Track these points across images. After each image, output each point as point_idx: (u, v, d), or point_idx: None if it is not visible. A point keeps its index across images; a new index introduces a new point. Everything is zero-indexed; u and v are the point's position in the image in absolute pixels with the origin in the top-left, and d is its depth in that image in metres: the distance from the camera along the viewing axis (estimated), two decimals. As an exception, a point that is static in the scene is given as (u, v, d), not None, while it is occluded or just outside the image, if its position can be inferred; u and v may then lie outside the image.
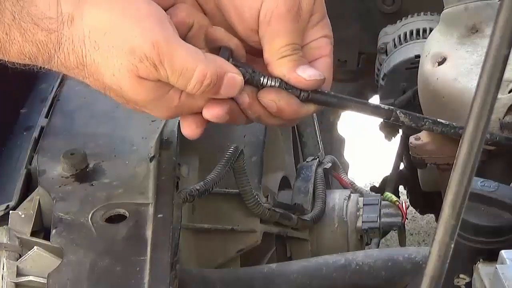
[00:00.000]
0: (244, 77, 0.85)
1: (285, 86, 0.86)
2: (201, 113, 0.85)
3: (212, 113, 0.85)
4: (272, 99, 0.86)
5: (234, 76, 0.83)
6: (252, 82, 0.86)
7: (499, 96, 1.08)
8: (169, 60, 0.78)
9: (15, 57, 0.82)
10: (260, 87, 0.86)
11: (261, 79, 0.86)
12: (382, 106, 0.89)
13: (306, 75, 0.85)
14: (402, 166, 1.79)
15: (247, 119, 0.89)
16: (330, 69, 0.89)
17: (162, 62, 0.78)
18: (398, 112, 0.88)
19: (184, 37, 0.85)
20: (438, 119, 0.89)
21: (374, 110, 0.90)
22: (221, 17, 0.87)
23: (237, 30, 0.87)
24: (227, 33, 0.87)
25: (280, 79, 0.86)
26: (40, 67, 0.83)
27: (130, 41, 0.78)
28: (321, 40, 0.89)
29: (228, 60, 0.85)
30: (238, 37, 0.87)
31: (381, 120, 1.74)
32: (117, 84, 0.80)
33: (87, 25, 0.78)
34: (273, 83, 0.86)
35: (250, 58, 0.88)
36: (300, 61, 0.85)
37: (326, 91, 0.88)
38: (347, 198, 1.31)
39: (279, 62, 0.85)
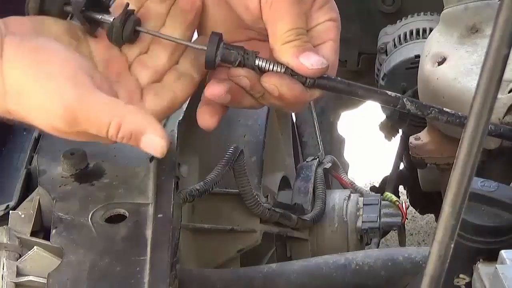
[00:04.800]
0: (235, 60, 0.84)
1: (291, 72, 0.84)
2: (216, 103, 0.86)
3: (212, 92, 0.84)
4: (274, 83, 0.84)
5: (152, 139, 0.79)
6: (247, 65, 0.84)
7: (499, 96, 1.09)
8: (84, 118, 0.78)
9: None
10: (257, 69, 0.85)
11: (262, 63, 0.84)
12: (389, 93, 0.88)
13: (308, 63, 0.83)
14: (402, 166, 1.79)
15: (252, 101, 0.88)
16: (336, 53, 0.87)
17: (78, 121, 0.79)
18: (404, 99, 0.88)
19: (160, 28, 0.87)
20: (444, 108, 0.89)
21: (381, 97, 0.89)
22: (226, 6, 0.86)
23: (243, 18, 0.86)
24: None
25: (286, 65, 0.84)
26: None
27: (43, 104, 0.78)
28: (326, 23, 0.87)
29: (218, 44, 0.84)
30: (245, 25, 0.87)
31: (380, 120, 1.75)
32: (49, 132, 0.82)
33: (6, 83, 0.79)
34: (278, 69, 0.84)
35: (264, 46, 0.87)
36: (303, 47, 0.83)
37: (332, 77, 0.86)
38: (347, 198, 1.31)
39: (282, 48, 0.83)
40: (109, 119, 0.79)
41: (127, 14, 0.85)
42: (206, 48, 0.84)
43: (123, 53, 0.88)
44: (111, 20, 0.86)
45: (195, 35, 0.91)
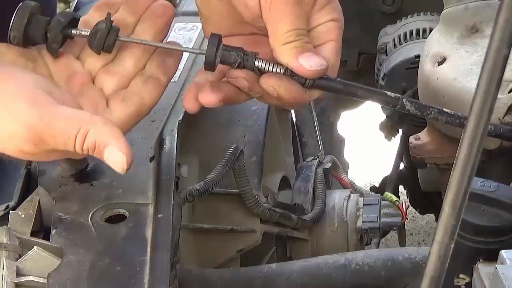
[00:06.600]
0: (235, 62, 0.84)
1: (290, 73, 0.84)
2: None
3: (205, 100, 0.84)
4: (272, 85, 0.84)
5: (114, 153, 0.78)
6: (247, 66, 0.84)
7: (499, 96, 1.09)
8: (49, 135, 0.78)
9: None
10: (256, 70, 0.84)
11: (261, 64, 0.84)
12: (389, 93, 0.88)
13: (307, 65, 0.83)
14: (402, 166, 1.79)
15: (250, 97, 0.88)
16: (337, 54, 0.87)
17: (44, 139, 0.78)
18: (404, 100, 0.88)
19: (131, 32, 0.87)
20: (443, 109, 0.89)
21: (380, 98, 0.89)
22: (229, 4, 0.86)
23: (243, 15, 0.85)
24: None
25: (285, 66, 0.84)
26: None
27: (5, 128, 0.78)
28: (328, 24, 0.87)
29: (217, 46, 0.84)
30: (246, 23, 0.87)
31: (380, 120, 1.75)
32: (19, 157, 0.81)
33: None
34: (278, 70, 0.84)
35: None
36: (303, 48, 0.83)
37: (332, 77, 0.86)
38: (347, 198, 1.31)
39: (282, 49, 0.83)
40: (75, 130, 0.78)
41: (111, 22, 0.85)
42: (205, 51, 0.84)
43: (85, 67, 0.87)
44: (87, 33, 0.85)
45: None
